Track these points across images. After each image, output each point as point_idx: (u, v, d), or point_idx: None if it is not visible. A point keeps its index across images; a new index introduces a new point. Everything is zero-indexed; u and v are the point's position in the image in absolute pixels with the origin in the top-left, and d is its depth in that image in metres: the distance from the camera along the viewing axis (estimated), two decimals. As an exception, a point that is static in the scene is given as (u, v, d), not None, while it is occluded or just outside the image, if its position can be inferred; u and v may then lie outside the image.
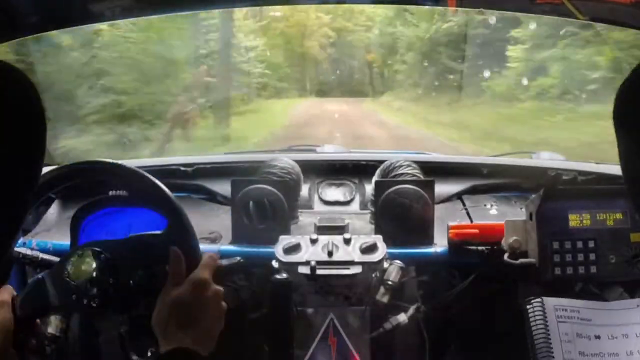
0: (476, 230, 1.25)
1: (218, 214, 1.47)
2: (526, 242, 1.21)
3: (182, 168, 1.60)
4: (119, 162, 1.01)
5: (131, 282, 0.99)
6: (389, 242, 1.23)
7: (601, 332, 1.09)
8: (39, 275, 0.99)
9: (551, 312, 1.11)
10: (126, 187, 1.19)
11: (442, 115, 8.24)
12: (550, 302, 1.12)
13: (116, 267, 1.00)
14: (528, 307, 1.13)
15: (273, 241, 1.23)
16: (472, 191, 1.56)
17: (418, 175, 1.43)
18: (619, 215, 1.19)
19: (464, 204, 1.51)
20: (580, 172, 1.51)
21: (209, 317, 0.90)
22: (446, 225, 1.27)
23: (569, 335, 1.09)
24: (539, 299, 1.12)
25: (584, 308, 1.12)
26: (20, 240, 1.26)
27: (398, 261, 1.20)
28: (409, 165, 1.45)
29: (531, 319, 1.11)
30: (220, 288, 0.94)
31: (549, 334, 1.09)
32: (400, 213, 1.31)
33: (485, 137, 6.39)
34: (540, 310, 1.11)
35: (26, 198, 0.64)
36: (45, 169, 1.01)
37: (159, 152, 5.19)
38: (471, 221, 1.41)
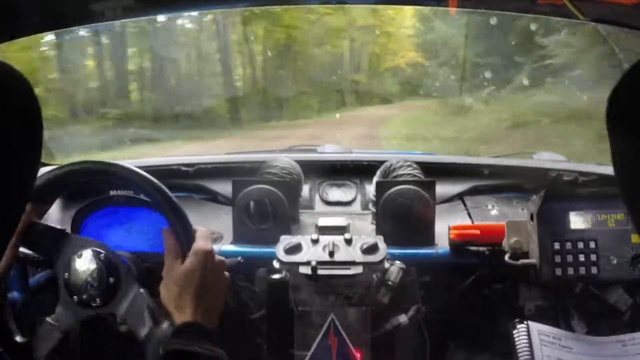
0: (477, 231, 1.25)
1: (219, 214, 1.47)
2: (527, 242, 1.21)
3: (183, 168, 1.60)
4: (119, 162, 1.01)
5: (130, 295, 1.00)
6: (390, 242, 1.22)
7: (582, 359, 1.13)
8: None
9: (535, 335, 1.14)
10: (126, 186, 1.19)
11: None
12: (535, 326, 1.16)
13: (117, 268, 1.00)
14: (514, 330, 1.16)
15: (274, 241, 1.23)
16: (473, 192, 1.56)
17: (419, 175, 1.43)
18: (619, 216, 1.19)
19: (465, 205, 1.51)
20: (581, 173, 1.51)
21: (217, 287, 0.93)
22: (447, 225, 1.27)
23: (551, 357, 1.12)
24: (524, 323, 1.16)
25: (565, 337, 1.16)
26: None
27: (399, 262, 1.20)
28: (409, 166, 1.45)
29: (516, 341, 1.14)
30: (223, 258, 0.96)
31: (532, 356, 1.12)
32: (401, 213, 1.31)
33: None
34: (525, 333, 1.14)
35: (22, 198, 0.64)
36: (46, 169, 1.01)
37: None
38: (472, 222, 1.41)
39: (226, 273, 0.97)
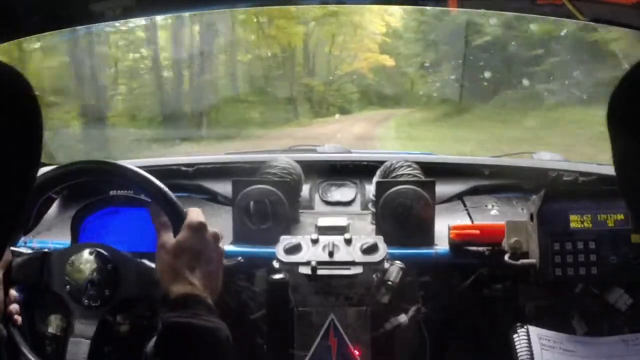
0: (477, 231, 1.25)
1: (219, 214, 1.47)
2: (527, 242, 1.21)
3: (183, 168, 1.60)
4: (118, 162, 1.02)
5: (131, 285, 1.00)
6: (389, 242, 1.23)
7: None
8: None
9: (535, 340, 1.14)
10: (125, 186, 1.19)
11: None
12: (535, 331, 1.15)
13: (117, 270, 1.00)
14: (514, 335, 1.15)
15: (274, 241, 1.23)
16: (473, 192, 1.56)
17: (419, 175, 1.43)
18: (619, 217, 1.19)
19: (464, 205, 1.51)
20: (581, 173, 1.51)
21: (212, 259, 0.93)
22: (447, 225, 1.27)
23: None
24: (524, 328, 1.15)
25: (566, 341, 1.15)
26: (21, 240, 1.26)
27: (399, 262, 1.20)
28: (409, 166, 1.45)
29: (517, 346, 1.14)
30: (217, 230, 0.96)
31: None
32: (401, 214, 1.31)
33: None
34: (525, 338, 1.14)
35: (22, 198, 0.64)
36: (45, 169, 1.01)
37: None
38: (472, 222, 1.41)
39: (221, 245, 0.97)
